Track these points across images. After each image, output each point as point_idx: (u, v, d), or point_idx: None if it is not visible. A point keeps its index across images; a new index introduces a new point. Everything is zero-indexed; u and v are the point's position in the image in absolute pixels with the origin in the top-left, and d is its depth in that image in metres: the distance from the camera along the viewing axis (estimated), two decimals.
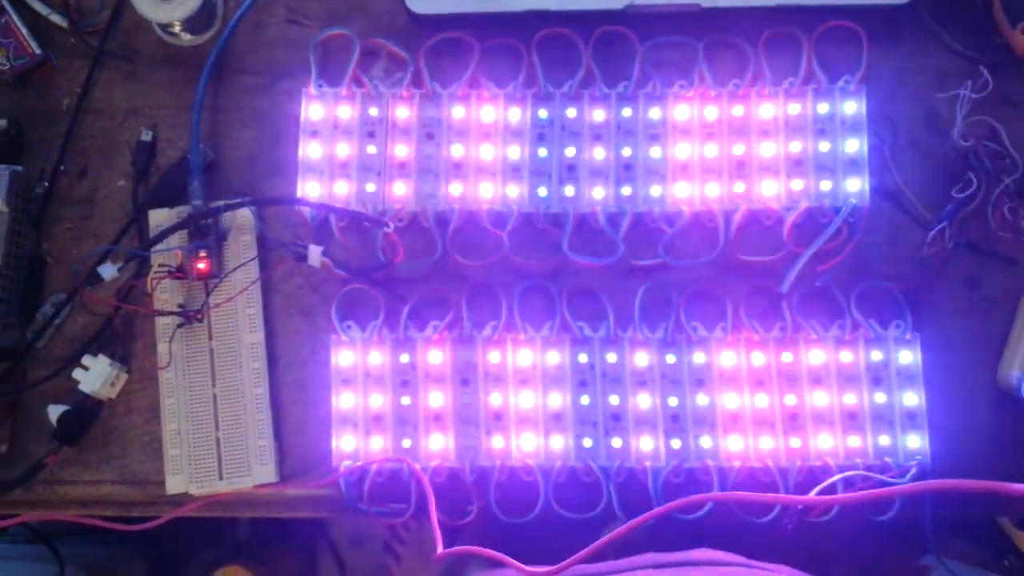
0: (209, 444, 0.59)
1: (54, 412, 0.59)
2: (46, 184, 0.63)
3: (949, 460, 0.58)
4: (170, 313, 0.59)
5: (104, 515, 0.61)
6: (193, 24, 0.64)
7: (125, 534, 0.59)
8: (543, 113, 0.61)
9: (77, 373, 0.59)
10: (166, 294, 0.60)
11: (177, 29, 0.64)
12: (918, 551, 0.90)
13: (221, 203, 0.60)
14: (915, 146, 0.62)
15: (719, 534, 0.58)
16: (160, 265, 0.60)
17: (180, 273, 0.60)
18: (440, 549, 0.53)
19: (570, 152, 0.61)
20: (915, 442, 0.57)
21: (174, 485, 0.59)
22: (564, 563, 0.45)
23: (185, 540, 1.15)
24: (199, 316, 0.60)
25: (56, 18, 0.65)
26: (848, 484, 0.56)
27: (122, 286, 0.61)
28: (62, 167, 0.64)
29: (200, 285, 0.60)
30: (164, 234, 0.59)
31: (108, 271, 0.59)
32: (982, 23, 0.62)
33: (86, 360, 0.59)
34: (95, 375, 0.59)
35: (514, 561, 0.47)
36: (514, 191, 0.61)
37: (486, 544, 0.92)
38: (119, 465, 0.61)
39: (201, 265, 0.60)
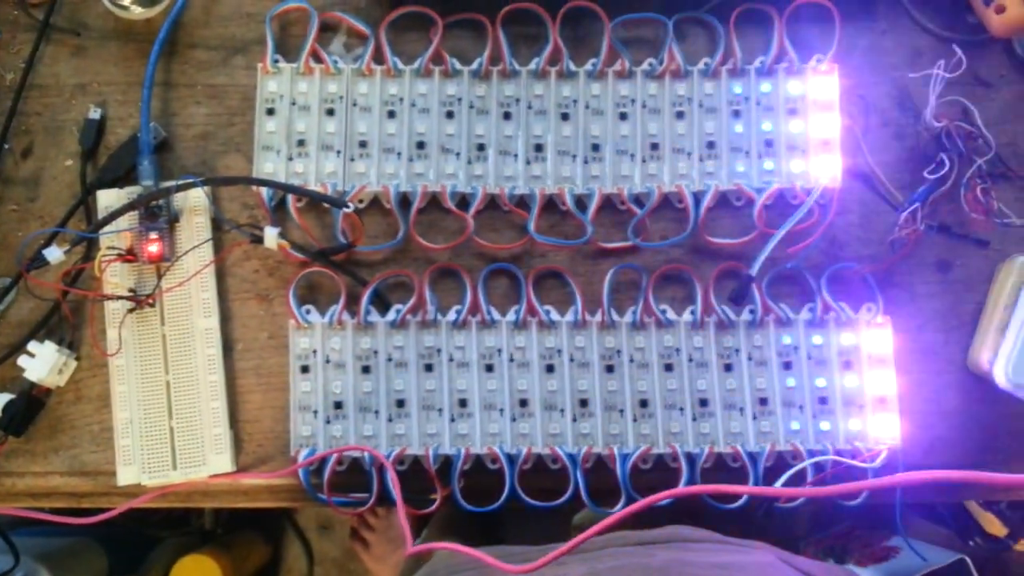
0: (162, 433, 0.57)
1: None
2: None
3: (920, 443, 0.58)
4: (120, 298, 0.57)
5: (55, 507, 0.59)
6: None
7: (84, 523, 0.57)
8: (509, 91, 0.60)
9: (23, 360, 0.57)
10: (116, 278, 0.58)
11: (127, 2, 0.61)
12: (887, 530, 0.90)
13: (173, 183, 0.57)
14: (887, 126, 0.61)
15: (694, 510, 0.58)
16: (109, 248, 0.57)
17: (130, 256, 0.57)
18: (410, 545, 0.51)
19: (537, 131, 0.59)
20: (886, 425, 0.57)
21: (126, 476, 0.57)
22: (539, 561, 0.44)
23: (149, 528, 1.13)
24: (151, 301, 0.57)
25: None
26: (818, 468, 0.56)
27: (69, 270, 0.58)
28: (6, 146, 0.61)
29: (151, 268, 0.58)
30: (113, 216, 0.57)
31: (54, 254, 0.56)
32: (955, 1, 0.61)
33: (32, 347, 0.57)
34: (42, 362, 0.57)
35: (491, 558, 0.45)
36: (479, 171, 0.59)
37: (453, 526, 0.92)
38: (69, 456, 0.58)
39: (152, 248, 0.57)
